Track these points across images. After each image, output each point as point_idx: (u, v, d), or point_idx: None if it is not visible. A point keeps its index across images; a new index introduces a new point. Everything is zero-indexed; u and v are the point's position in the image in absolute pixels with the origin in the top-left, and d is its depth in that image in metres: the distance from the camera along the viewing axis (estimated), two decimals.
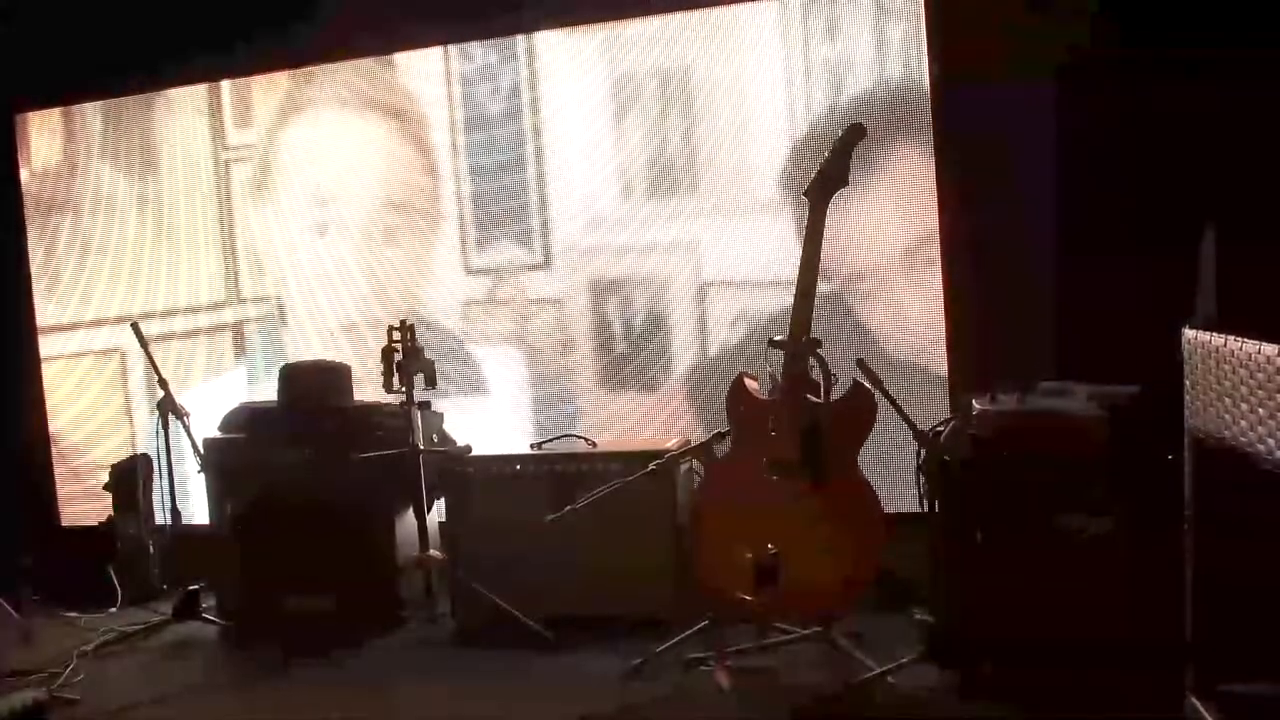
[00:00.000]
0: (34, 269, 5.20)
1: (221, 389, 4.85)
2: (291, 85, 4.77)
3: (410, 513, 3.86)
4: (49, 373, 5.23)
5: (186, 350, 4.95)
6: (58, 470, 5.21)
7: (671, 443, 3.78)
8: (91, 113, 5.05)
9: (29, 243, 5.19)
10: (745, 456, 3.21)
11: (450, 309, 4.60)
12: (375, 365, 3.87)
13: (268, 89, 4.80)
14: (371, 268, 4.70)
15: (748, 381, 3.30)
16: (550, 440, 4.03)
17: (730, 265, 4.19)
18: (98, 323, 5.11)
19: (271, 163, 4.83)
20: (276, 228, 4.84)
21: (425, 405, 3.92)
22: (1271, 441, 2.01)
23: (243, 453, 4.09)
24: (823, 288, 3.33)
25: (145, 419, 4.99)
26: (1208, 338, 2.25)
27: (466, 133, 4.52)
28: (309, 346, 4.78)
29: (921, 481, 3.08)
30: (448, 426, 4.21)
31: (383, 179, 4.68)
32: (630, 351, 4.37)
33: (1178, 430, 2.42)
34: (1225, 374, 2.17)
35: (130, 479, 4.58)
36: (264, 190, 4.85)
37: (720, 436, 3.40)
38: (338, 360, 4.39)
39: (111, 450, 5.02)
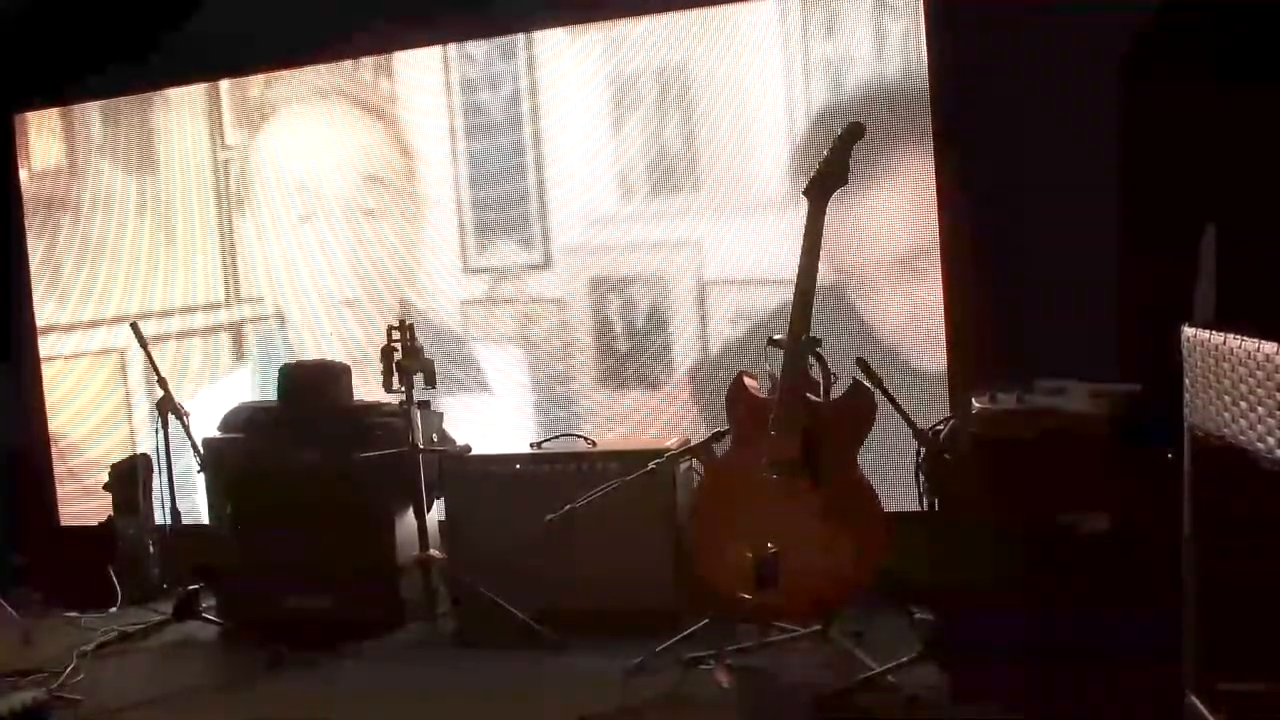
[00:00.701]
0: (34, 269, 5.20)
1: (222, 391, 4.85)
2: (282, 88, 4.77)
3: (410, 512, 3.86)
4: (48, 373, 5.23)
5: (186, 350, 4.95)
6: (57, 470, 5.21)
7: (671, 442, 3.78)
8: (90, 112, 5.05)
9: (28, 242, 5.19)
10: (745, 456, 3.21)
11: (449, 308, 4.60)
12: (368, 366, 3.87)
13: (254, 94, 4.81)
14: (371, 267, 4.70)
15: (747, 380, 3.30)
16: (550, 439, 4.03)
17: (732, 263, 4.19)
18: (97, 322, 5.11)
19: (259, 164, 4.83)
20: (270, 229, 4.84)
21: (425, 405, 3.92)
22: (1271, 440, 2.01)
23: (242, 452, 4.09)
24: (823, 286, 3.32)
25: (145, 418, 4.99)
26: (1207, 336, 2.24)
27: (466, 134, 4.52)
28: (310, 345, 4.78)
29: (921, 480, 3.09)
30: (447, 426, 4.22)
31: (377, 181, 4.68)
32: (632, 351, 4.36)
33: (1178, 428, 2.42)
34: (1225, 372, 2.16)
35: (130, 479, 4.58)
36: (254, 193, 4.84)
37: (720, 436, 3.40)
38: (337, 360, 4.40)
39: (111, 450, 5.02)
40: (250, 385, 4.88)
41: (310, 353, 4.72)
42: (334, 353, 4.63)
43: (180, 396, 4.13)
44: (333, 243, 4.75)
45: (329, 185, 4.74)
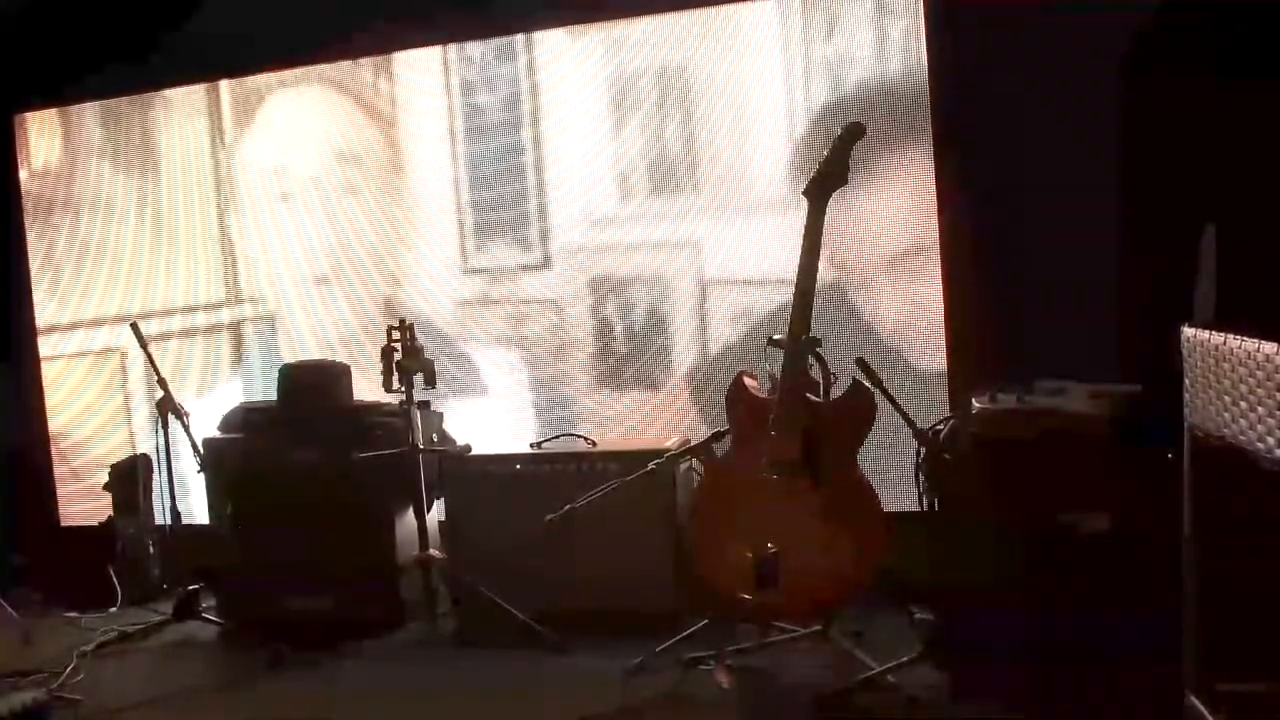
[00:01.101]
0: (33, 268, 5.20)
1: (222, 391, 4.86)
2: (276, 84, 4.78)
3: (410, 512, 3.86)
4: (48, 373, 5.23)
5: (186, 350, 4.95)
6: (57, 470, 5.21)
7: (671, 442, 3.78)
8: (90, 113, 5.05)
9: (29, 242, 5.19)
10: (745, 456, 3.20)
11: (448, 308, 4.60)
12: (369, 365, 3.88)
13: (251, 93, 4.82)
14: (368, 267, 4.70)
15: (747, 381, 3.30)
16: (550, 439, 4.03)
17: (732, 264, 4.19)
18: (97, 322, 5.11)
19: (255, 163, 4.83)
20: (266, 227, 4.84)
21: (425, 405, 3.92)
22: (1271, 440, 2.01)
23: (242, 452, 4.09)
24: (823, 285, 3.32)
25: (144, 419, 4.99)
26: (1207, 336, 2.24)
27: (466, 136, 4.52)
28: (306, 347, 4.78)
29: (921, 480, 3.09)
30: (447, 426, 4.21)
31: (378, 181, 4.68)
32: (632, 351, 4.36)
33: (1178, 428, 2.42)
34: (1225, 372, 2.16)
35: (130, 479, 4.58)
36: (251, 193, 4.85)
37: (720, 436, 3.40)
38: (336, 360, 4.40)
39: (111, 450, 5.02)
40: (249, 385, 4.88)
41: (309, 352, 4.72)
42: (335, 353, 4.64)
43: (180, 397, 4.13)
44: (330, 243, 4.75)
45: (324, 185, 4.75)
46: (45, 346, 5.22)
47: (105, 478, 4.65)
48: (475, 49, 4.48)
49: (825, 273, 3.66)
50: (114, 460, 4.71)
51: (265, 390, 4.72)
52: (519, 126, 4.43)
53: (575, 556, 3.63)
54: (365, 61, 4.63)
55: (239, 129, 4.84)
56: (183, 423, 4.04)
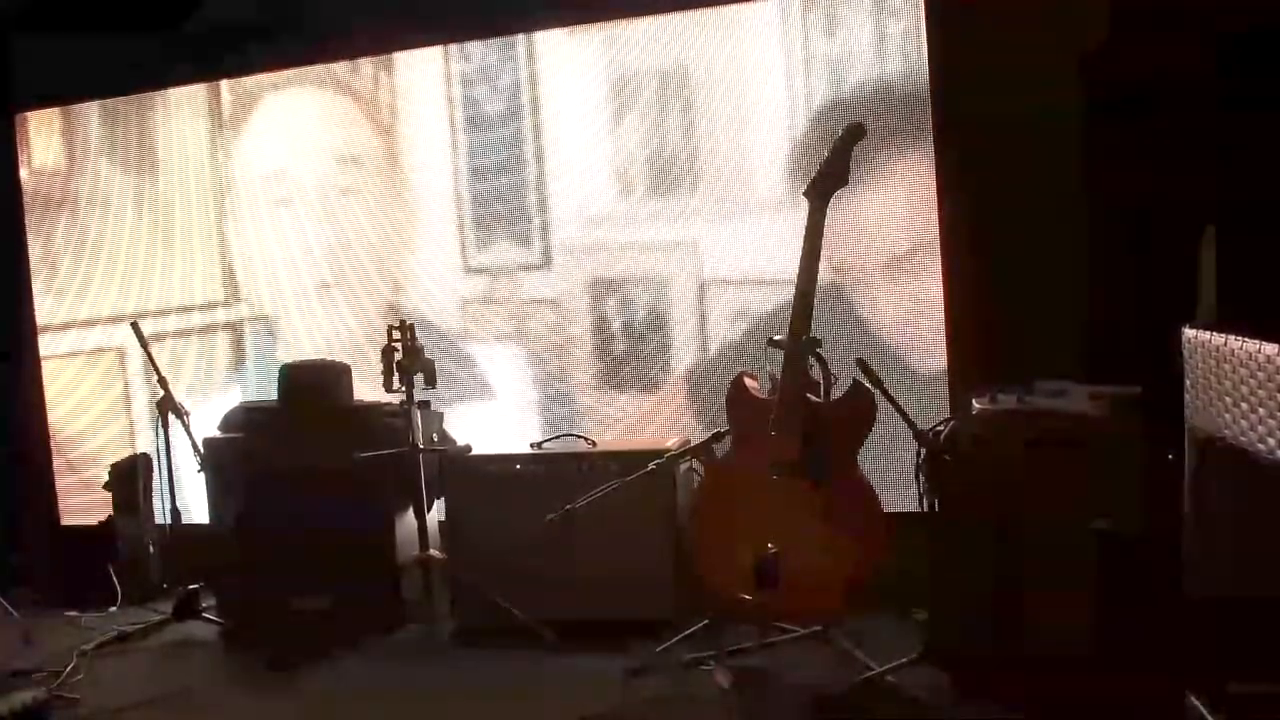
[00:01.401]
0: (34, 267, 5.20)
1: (222, 390, 4.86)
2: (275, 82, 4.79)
3: (410, 513, 3.86)
4: (49, 372, 5.23)
5: (183, 349, 4.95)
6: (58, 470, 5.21)
7: (671, 442, 3.78)
8: (90, 112, 5.04)
9: (29, 241, 5.19)
10: (745, 456, 3.21)
11: (449, 308, 4.60)
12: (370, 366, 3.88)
13: (250, 90, 4.82)
14: (367, 266, 4.70)
15: (747, 381, 3.30)
16: (550, 440, 4.03)
17: (731, 263, 4.19)
18: (95, 321, 5.11)
19: (253, 162, 4.84)
20: (263, 227, 4.85)
21: (425, 405, 3.92)
22: (1272, 440, 2.01)
23: (242, 452, 4.09)
24: (822, 285, 3.32)
25: (143, 417, 4.99)
26: (1208, 337, 2.24)
27: (466, 130, 4.52)
28: (305, 349, 4.78)
29: (921, 481, 3.09)
30: (447, 426, 4.22)
31: (377, 179, 4.68)
32: (630, 351, 4.36)
33: (1178, 428, 2.42)
34: (1226, 373, 2.17)
35: (130, 479, 4.58)
36: (249, 192, 4.85)
37: (720, 436, 3.40)
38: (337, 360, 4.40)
39: (111, 449, 5.01)
40: (247, 386, 4.88)
41: (307, 354, 4.71)
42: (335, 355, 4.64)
43: (178, 396, 4.13)
44: (330, 243, 4.75)
45: (324, 184, 4.75)
46: (45, 345, 5.22)
47: (105, 477, 4.65)
48: (475, 45, 4.48)
49: (825, 273, 3.66)
50: (113, 459, 4.71)
51: (264, 392, 4.72)
52: (519, 116, 4.43)
53: (575, 557, 3.62)
54: (365, 58, 4.63)
55: (238, 129, 4.84)
56: (183, 422, 4.05)
